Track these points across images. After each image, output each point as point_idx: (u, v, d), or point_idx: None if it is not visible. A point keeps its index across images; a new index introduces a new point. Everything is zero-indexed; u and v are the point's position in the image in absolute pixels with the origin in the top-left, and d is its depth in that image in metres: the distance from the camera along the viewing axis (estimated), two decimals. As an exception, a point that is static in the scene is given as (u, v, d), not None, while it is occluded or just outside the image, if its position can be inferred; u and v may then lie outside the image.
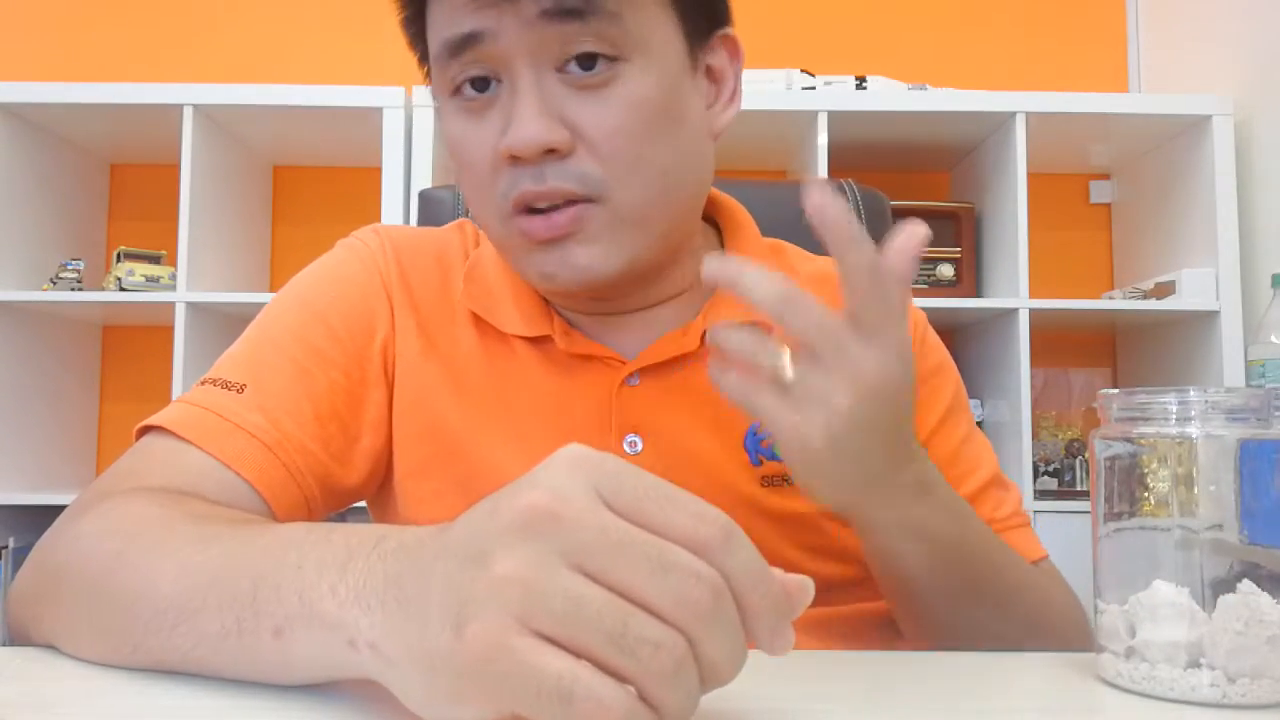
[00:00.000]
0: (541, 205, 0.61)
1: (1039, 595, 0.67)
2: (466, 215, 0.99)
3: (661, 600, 0.32)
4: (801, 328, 0.50)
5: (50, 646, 0.50)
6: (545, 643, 0.32)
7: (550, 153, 0.60)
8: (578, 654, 0.32)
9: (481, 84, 0.62)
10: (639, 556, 0.32)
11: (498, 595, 0.32)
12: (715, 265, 0.51)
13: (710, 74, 0.68)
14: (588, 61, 0.60)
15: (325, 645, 0.38)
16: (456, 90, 0.63)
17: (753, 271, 0.50)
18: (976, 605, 0.62)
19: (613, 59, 0.61)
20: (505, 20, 0.60)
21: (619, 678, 0.31)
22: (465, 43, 0.61)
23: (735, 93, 0.70)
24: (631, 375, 0.68)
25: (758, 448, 0.68)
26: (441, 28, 0.62)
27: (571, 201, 0.61)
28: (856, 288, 0.50)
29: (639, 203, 0.62)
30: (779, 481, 0.68)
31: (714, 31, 0.68)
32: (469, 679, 0.32)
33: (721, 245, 0.75)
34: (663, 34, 0.63)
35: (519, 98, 0.60)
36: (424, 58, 0.68)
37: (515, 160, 0.61)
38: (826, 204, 0.49)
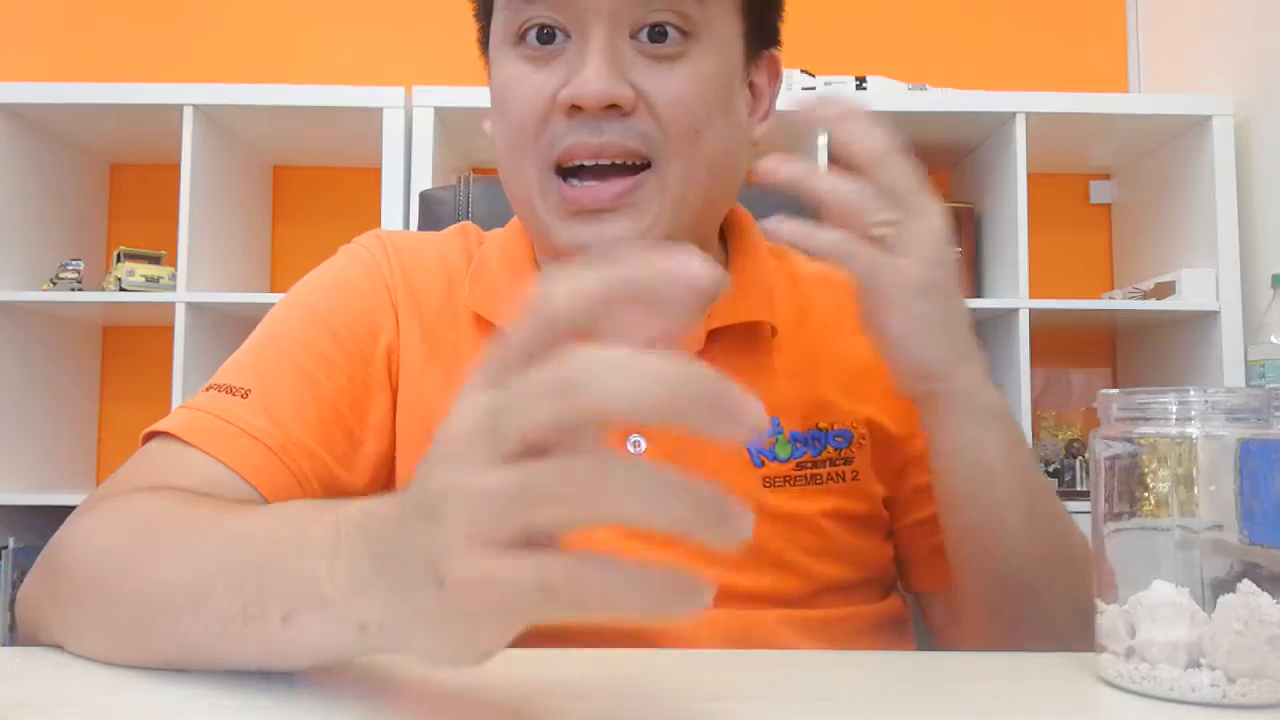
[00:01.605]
0: (589, 164, 0.62)
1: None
2: (469, 214, 0.99)
3: (542, 415, 0.31)
4: (894, 182, 0.58)
5: (56, 646, 0.50)
6: (514, 548, 0.32)
7: (612, 109, 0.61)
8: (544, 540, 0.32)
9: (546, 36, 0.63)
10: (509, 404, 0.32)
11: (451, 533, 0.33)
12: (790, 170, 0.58)
13: (752, 89, 0.70)
14: (659, 32, 0.62)
15: (335, 630, 0.39)
16: (520, 38, 0.64)
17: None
18: (1049, 535, 0.63)
19: (685, 34, 0.62)
20: None
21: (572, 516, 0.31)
22: None
23: (769, 110, 0.72)
24: None
25: (759, 449, 0.68)
26: None
27: (620, 171, 0.62)
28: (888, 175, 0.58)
29: (687, 176, 0.64)
30: (781, 483, 0.68)
31: (766, 48, 0.70)
32: (470, 621, 0.33)
33: (726, 249, 0.75)
34: (729, 30, 0.65)
35: (590, 52, 0.61)
36: (483, 10, 0.69)
37: (574, 111, 0.61)
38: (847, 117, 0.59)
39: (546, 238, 0.67)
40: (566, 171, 0.63)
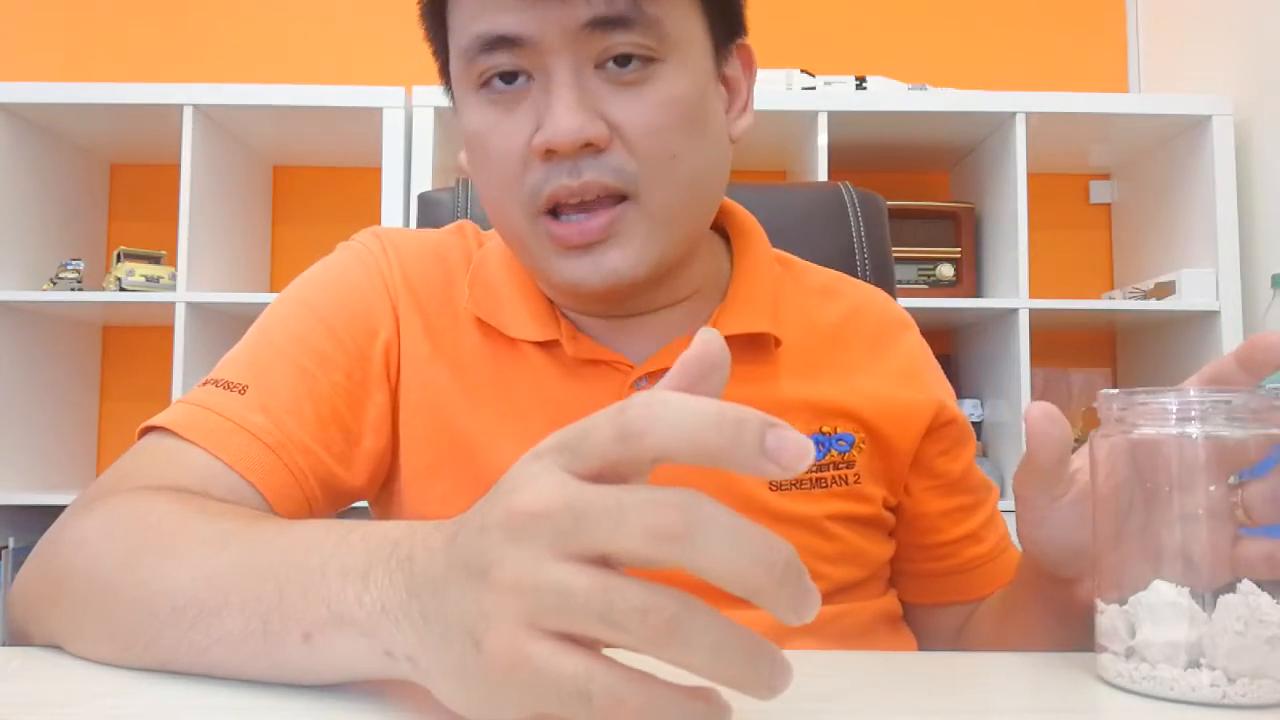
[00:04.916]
0: (573, 203, 0.61)
1: None
2: (468, 216, 0.99)
3: (634, 544, 0.31)
4: None
5: (53, 646, 0.50)
6: (561, 642, 0.32)
7: (586, 147, 0.60)
8: (590, 642, 0.32)
9: (509, 76, 0.62)
10: (601, 516, 0.31)
11: (502, 607, 0.32)
12: None
13: (725, 82, 0.69)
14: (624, 60, 0.61)
15: (360, 652, 0.39)
16: (484, 84, 0.63)
17: None
18: None
19: (649, 60, 0.61)
20: (548, 26, 0.59)
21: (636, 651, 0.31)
22: (501, 42, 0.60)
23: (748, 102, 0.71)
24: (640, 379, 0.68)
25: None
26: (473, 21, 0.62)
27: (604, 202, 0.61)
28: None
29: (670, 201, 0.63)
30: (788, 486, 0.68)
31: (734, 40, 0.69)
32: (499, 688, 0.33)
33: (730, 254, 0.75)
34: (695, 39, 0.64)
35: (555, 93, 0.60)
36: (439, 50, 0.68)
37: (550, 155, 0.60)
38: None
39: (543, 276, 0.66)
40: (552, 208, 0.63)
